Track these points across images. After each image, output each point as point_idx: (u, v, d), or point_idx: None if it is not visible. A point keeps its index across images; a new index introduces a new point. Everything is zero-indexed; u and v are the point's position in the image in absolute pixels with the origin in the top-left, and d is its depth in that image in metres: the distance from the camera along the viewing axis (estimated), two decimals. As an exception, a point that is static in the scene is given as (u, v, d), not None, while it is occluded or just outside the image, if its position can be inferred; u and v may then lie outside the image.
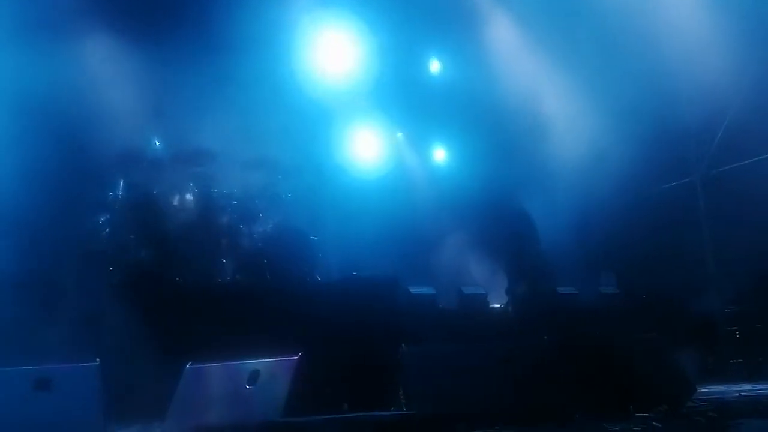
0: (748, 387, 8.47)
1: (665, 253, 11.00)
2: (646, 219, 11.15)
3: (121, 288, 8.40)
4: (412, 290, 9.47)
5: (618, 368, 6.97)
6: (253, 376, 5.74)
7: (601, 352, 7.13)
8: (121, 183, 9.58)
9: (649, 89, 10.57)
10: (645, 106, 10.64)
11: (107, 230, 9.38)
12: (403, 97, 12.47)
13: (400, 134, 13.08)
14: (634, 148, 10.53)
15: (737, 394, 7.68)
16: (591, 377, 6.84)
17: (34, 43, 9.16)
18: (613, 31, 10.71)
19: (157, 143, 10.15)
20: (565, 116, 11.25)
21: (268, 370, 5.75)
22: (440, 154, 13.29)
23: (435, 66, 13.19)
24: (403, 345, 6.66)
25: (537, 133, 11.28)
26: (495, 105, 11.54)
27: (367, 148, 12.63)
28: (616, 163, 10.65)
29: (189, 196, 9.78)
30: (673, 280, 10.62)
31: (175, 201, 9.79)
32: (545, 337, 6.94)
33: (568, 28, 11.16)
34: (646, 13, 10.53)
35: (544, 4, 11.36)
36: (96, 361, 5.57)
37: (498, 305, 10.02)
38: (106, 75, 9.80)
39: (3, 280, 7.32)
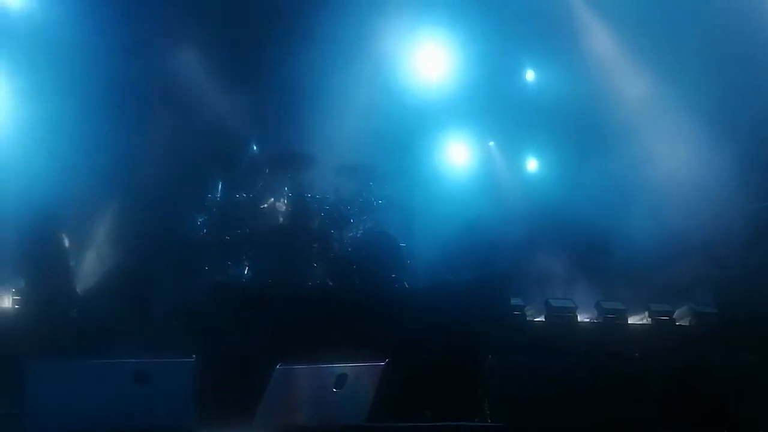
0: None
1: (765, 271, 10.55)
2: (747, 236, 10.74)
3: (216, 288, 8.69)
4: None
5: (712, 390, 6.76)
6: (340, 380, 5.83)
7: (695, 373, 6.92)
8: (219, 185, 9.90)
9: (752, 103, 10.20)
10: (746, 120, 10.27)
11: (204, 231, 9.70)
12: (496, 105, 12.39)
13: (492, 143, 13.00)
14: (733, 162, 10.18)
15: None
16: (683, 399, 6.66)
17: (137, 50, 9.56)
18: (715, 40, 10.38)
19: (255, 147, 10.43)
20: (663, 129, 10.96)
21: (355, 374, 5.83)
22: (533, 164, 13.14)
23: (530, 75, 13.07)
24: (490, 356, 6.65)
25: (633, 146, 11.04)
26: (590, 116, 11.34)
27: (459, 157, 12.62)
28: (715, 177, 10.32)
29: (283, 200, 10.01)
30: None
31: (270, 204, 10.04)
32: (636, 354, 6.81)
33: (666, 37, 10.87)
34: (752, 23, 10.16)
35: (642, 13, 11.10)
36: (192, 358, 5.77)
37: (587, 319, 9.84)
38: (207, 80, 10.15)
39: (107, 278, 7.68)
